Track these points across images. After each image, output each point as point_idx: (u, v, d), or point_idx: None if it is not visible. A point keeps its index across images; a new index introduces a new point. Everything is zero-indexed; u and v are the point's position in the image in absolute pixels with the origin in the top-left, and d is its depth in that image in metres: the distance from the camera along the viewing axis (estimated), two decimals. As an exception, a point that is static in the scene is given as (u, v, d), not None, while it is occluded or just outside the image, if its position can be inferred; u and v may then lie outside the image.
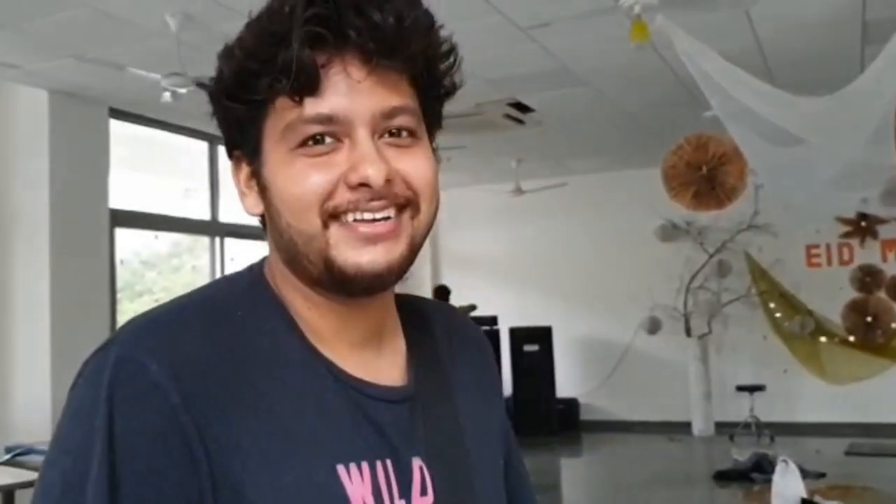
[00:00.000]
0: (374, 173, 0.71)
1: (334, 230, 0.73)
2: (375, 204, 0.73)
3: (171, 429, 0.67)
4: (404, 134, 0.75)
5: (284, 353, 0.75)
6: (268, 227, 0.78)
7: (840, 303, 8.15)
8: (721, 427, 8.44)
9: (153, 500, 0.66)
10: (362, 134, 0.72)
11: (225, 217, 7.41)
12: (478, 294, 9.64)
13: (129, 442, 0.66)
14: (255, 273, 0.81)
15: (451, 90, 0.79)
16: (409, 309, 0.87)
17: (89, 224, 5.52)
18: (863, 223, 8.18)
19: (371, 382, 0.78)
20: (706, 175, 5.55)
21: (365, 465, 0.74)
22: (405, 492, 0.76)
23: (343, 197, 0.72)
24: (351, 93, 0.72)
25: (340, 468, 0.73)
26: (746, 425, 8.24)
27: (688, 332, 8.77)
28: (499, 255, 9.91)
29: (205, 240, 7.38)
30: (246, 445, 0.69)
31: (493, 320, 9.15)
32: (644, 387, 9.11)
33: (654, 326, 8.86)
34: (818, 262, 8.65)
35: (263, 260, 0.82)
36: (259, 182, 0.77)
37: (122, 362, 0.68)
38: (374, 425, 0.77)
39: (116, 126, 5.88)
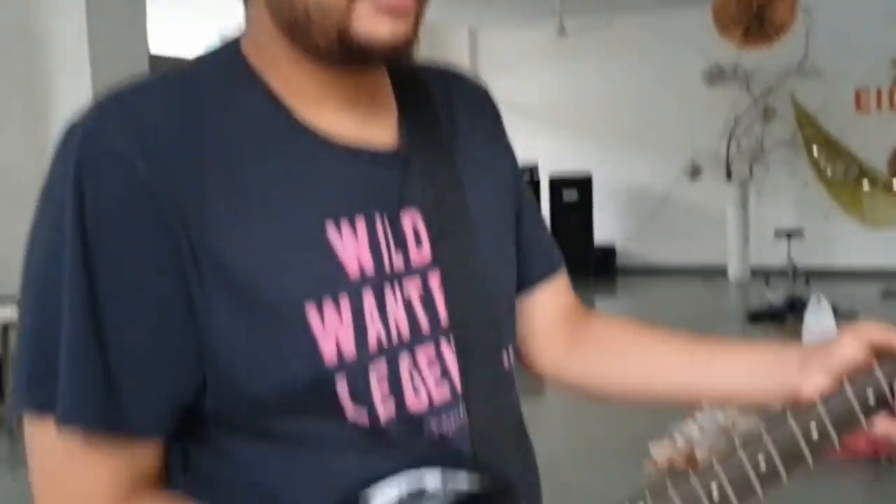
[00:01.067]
0: None
1: (360, 3, 0.70)
2: None
3: (141, 199, 0.66)
4: None
5: (263, 122, 0.73)
6: None
7: (887, 149, 8.00)
8: (758, 271, 8.50)
9: (128, 264, 0.67)
10: None
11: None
12: (517, 140, 9.57)
13: (97, 210, 0.66)
14: (231, 48, 0.78)
15: None
16: (405, 73, 0.84)
17: (129, 71, 5.54)
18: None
19: (357, 146, 0.76)
20: (756, 12, 5.36)
21: (360, 218, 0.74)
22: (400, 244, 0.76)
23: None
24: None
25: (329, 224, 0.72)
26: (783, 270, 8.31)
27: (729, 176, 8.71)
28: (539, 99, 9.77)
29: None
30: (223, 213, 0.68)
31: (532, 167, 9.14)
32: (682, 232, 9.16)
33: (695, 171, 8.81)
34: (867, 106, 8.42)
35: (239, 36, 0.79)
36: None
37: (88, 137, 0.67)
38: (365, 181, 0.76)
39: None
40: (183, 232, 0.67)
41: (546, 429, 4.25)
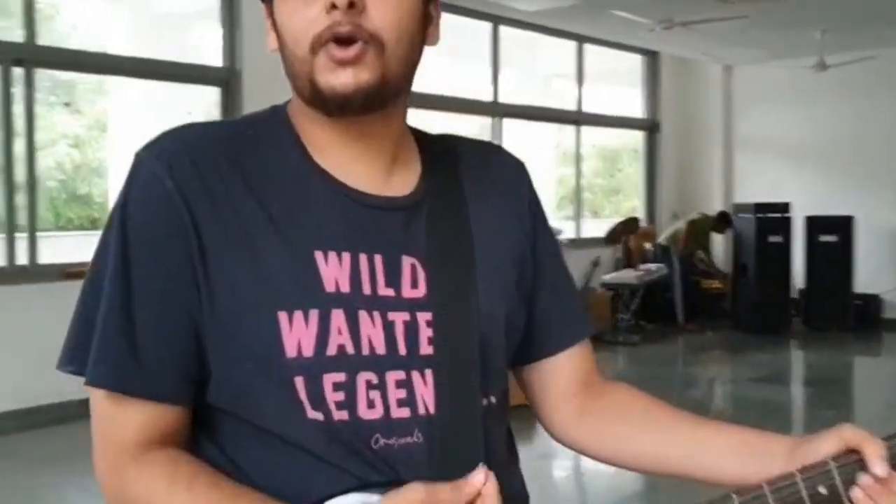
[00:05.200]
0: None
1: (318, 56, 0.84)
2: (344, 33, 0.82)
3: (165, 204, 0.83)
4: None
5: (283, 161, 0.89)
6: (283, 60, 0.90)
7: None
8: None
9: (156, 258, 0.83)
10: None
11: (505, 98, 7.54)
12: (771, 179, 9.07)
13: (134, 212, 0.84)
14: (278, 107, 0.94)
15: None
16: (436, 141, 1.00)
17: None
18: None
19: (365, 192, 0.90)
20: None
21: (346, 254, 0.86)
22: (394, 282, 0.88)
23: (322, 23, 0.83)
24: None
25: (318, 254, 0.85)
26: None
27: None
28: (797, 136, 9.18)
29: (486, 120, 7.58)
30: (232, 225, 0.84)
31: (784, 207, 8.57)
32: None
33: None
34: None
35: (288, 100, 0.94)
36: (273, 21, 0.89)
37: (139, 161, 0.86)
38: (360, 225, 0.88)
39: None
40: (195, 235, 0.83)
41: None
